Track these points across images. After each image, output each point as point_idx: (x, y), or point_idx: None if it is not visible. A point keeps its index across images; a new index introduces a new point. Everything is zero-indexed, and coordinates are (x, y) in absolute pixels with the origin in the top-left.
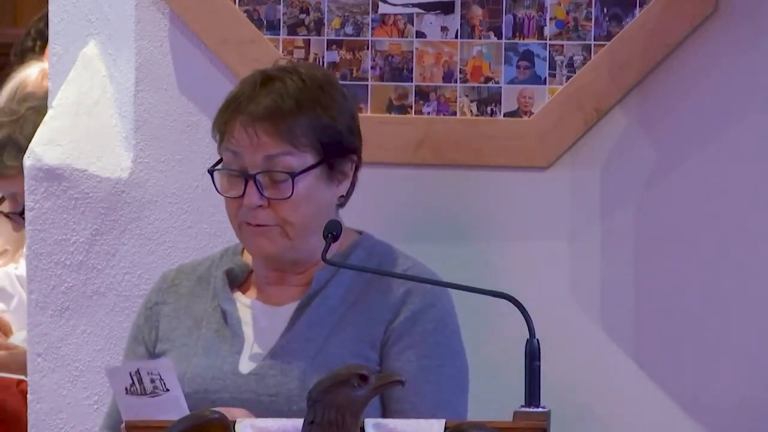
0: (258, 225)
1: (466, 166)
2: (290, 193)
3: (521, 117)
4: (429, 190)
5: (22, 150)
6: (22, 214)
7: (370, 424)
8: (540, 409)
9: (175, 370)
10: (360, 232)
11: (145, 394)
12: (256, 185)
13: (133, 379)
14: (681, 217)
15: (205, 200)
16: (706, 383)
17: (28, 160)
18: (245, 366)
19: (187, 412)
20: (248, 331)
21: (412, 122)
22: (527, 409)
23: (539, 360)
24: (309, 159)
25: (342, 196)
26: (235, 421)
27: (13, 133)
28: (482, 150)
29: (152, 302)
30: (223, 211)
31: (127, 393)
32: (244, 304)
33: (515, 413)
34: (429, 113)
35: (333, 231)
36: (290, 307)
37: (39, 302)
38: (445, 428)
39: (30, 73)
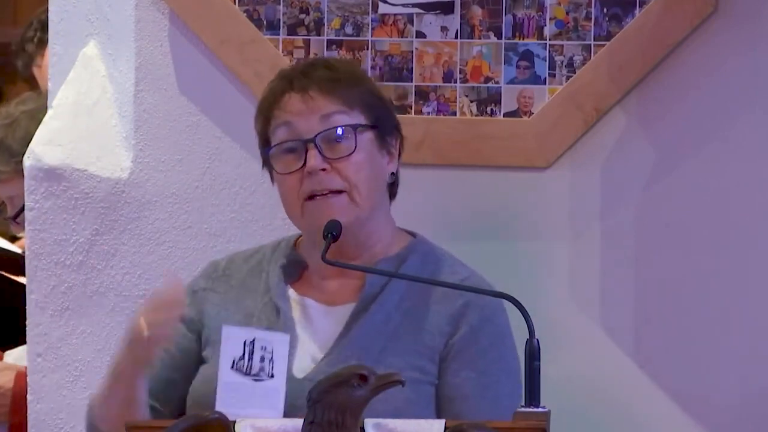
0: (324, 194)
1: (466, 166)
2: (354, 148)
3: (521, 117)
4: (429, 190)
5: (14, 155)
6: (15, 218)
7: (370, 424)
8: (540, 409)
9: (287, 349)
10: (414, 234)
11: (249, 374)
12: (317, 148)
13: (244, 350)
14: (681, 216)
15: (205, 200)
16: (706, 383)
17: (28, 160)
18: (299, 370)
19: (281, 409)
20: (301, 331)
21: (412, 122)
22: (527, 409)
23: (539, 360)
24: (363, 120)
25: (393, 173)
26: (235, 421)
27: (6, 137)
28: (482, 150)
29: (200, 286)
30: (223, 211)
31: (233, 367)
32: (296, 301)
33: (515, 413)
34: (429, 113)
35: (332, 231)
36: (345, 309)
37: (39, 302)
38: (445, 428)
39: None
